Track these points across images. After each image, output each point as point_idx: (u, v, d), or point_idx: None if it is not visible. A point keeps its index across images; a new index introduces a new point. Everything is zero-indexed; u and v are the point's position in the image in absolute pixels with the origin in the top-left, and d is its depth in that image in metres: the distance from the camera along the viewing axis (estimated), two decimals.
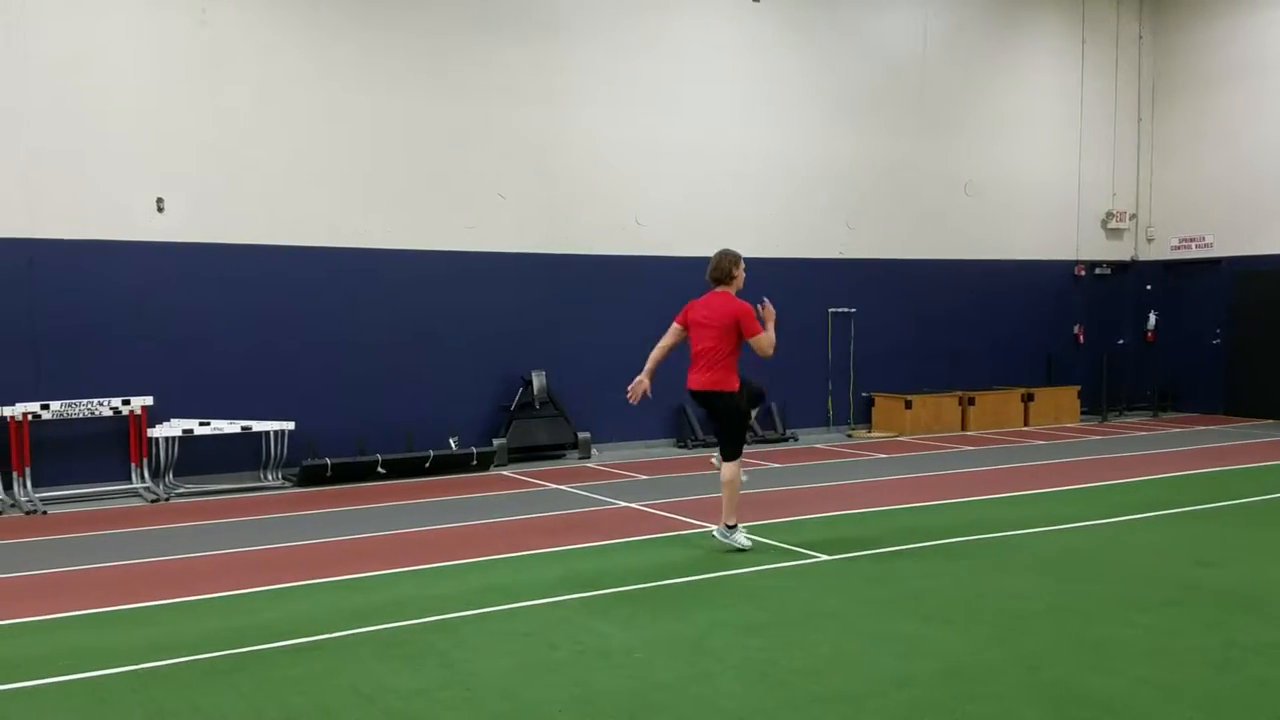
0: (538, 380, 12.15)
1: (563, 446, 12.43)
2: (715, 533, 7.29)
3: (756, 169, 13.93)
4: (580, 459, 12.33)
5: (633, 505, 9.21)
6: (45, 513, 9.15)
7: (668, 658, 4.98)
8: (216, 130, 10.52)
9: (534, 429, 12.19)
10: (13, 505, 9.31)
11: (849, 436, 14.47)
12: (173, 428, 10.09)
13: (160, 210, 10.24)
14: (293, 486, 10.50)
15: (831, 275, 14.56)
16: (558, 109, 12.49)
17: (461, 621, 5.61)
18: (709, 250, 13.04)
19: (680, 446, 13.33)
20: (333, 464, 10.58)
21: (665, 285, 13.24)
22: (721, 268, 7.22)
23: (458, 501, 9.62)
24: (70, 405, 9.71)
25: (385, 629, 5.46)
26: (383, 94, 11.41)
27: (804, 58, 14.30)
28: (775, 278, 13.93)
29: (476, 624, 5.57)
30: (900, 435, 14.35)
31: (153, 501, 9.69)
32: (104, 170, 10.00)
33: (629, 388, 7.36)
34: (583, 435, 12.44)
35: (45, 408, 9.61)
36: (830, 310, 14.62)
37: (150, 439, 10.06)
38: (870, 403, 14.98)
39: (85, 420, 9.85)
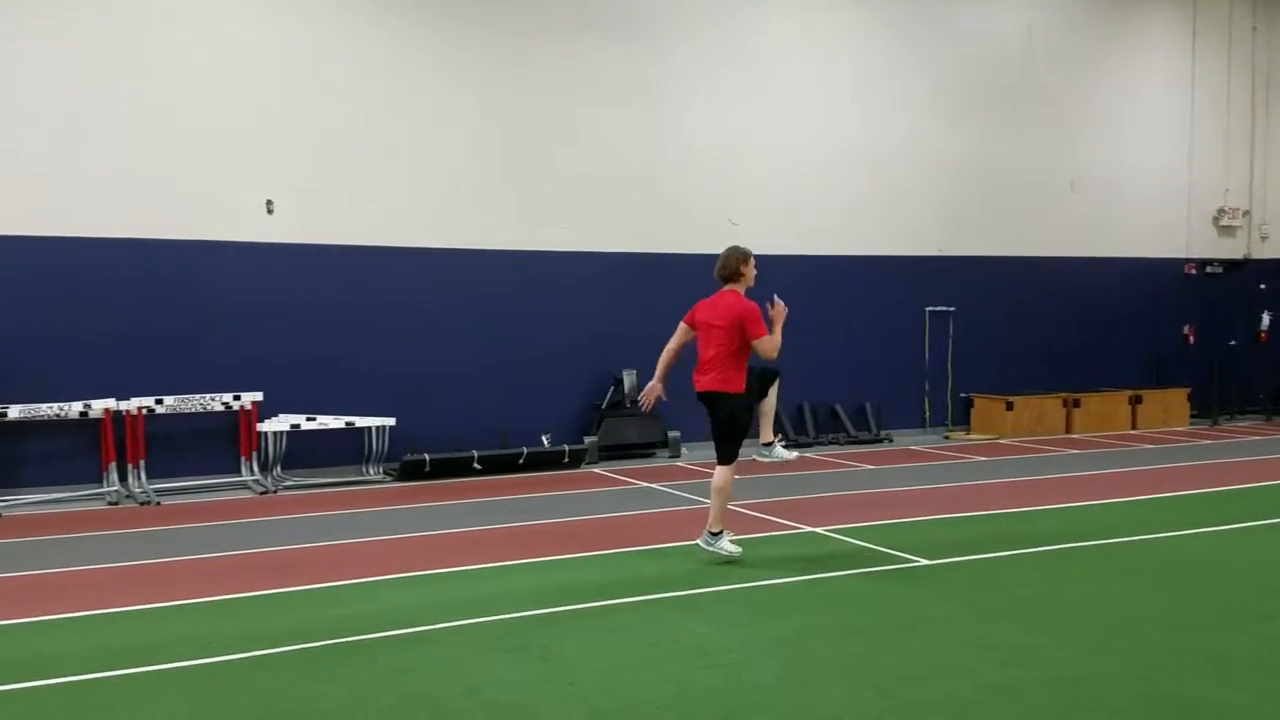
0: (629, 379, 12.21)
1: (653, 445, 12.47)
2: (700, 543, 6.91)
3: (851, 167, 13.77)
4: (670, 457, 12.35)
5: None
6: (159, 503, 9.54)
7: (766, 659, 4.95)
8: (322, 134, 10.84)
9: (624, 427, 12.26)
10: (128, 496, 9.74)
11: (946, 439, 14.17)
12: (281, 423, 10.43)
13: (270, 212, 10.61)
14: (393, 481, 10.76)
15: (929, 273, 14.30)
16: (652, 109, 12.54)
17: (559, 617, 5.67)
18: (803, 249, 13.35)
19: None
20: (431, 459, 10.80)
21: (757, 284, 13.21)
22: (729, 265, 6.95)
23: (551, 498, 9.72)
24: (184, 400, 10.11)
25: (485, 622, 5.54)
26: (481, 96, 11.61)
27: (899, 55, 14.08)
28: (870, 276, 13.85)
29: (574, 620, 5.62)
30: (1000, 438, 14.00)
31: (261, 494, 10.03)
32: (217, 173, 10.38)
33: (641, 395, 7.20)
34: (673, 434, 12.46)
35: (159, 402, 10.03)
36: (927, 309, 14.35)
37: (259, 433, 10.41)
38: (969, 404, 14.66)
39: (198, 415, 10.25)
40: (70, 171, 9.82)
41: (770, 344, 6.73)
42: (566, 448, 11.57)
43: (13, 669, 4.84)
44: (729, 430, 6.82)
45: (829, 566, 6.79)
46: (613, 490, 10.22)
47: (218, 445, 10.45)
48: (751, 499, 9.39)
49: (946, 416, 14.58)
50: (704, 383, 6.87)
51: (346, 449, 10.94)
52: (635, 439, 12.30)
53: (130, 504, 9.55)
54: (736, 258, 6.95)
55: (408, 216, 11.31)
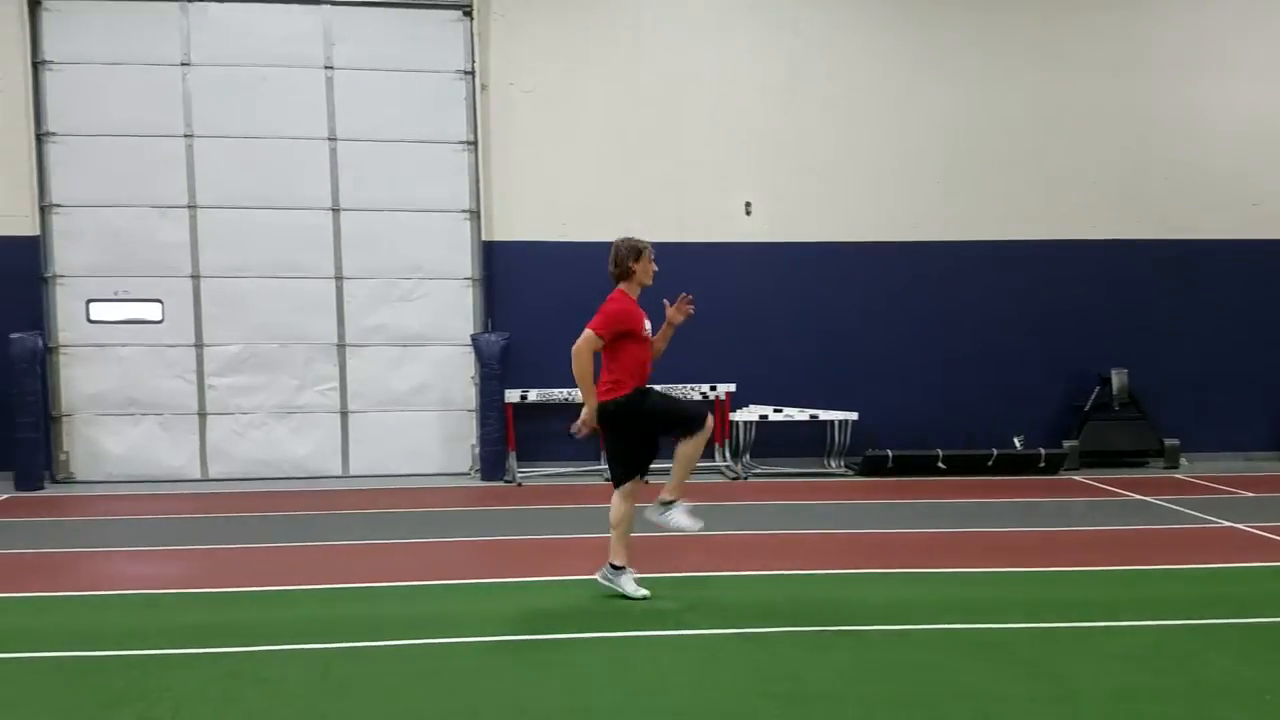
0: (1117, 379, 11.13)
1: (1144, 453, 11.27)
2: (598, 576, 6.01)
3: None
4: (1165, 468, 11.08)
5: (1238, 526, 8.03)
6: (647, 482, 10.27)
7: None
8: (798, 134, 11.13)
9: (1111, 432, 11.20)
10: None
11: None
12: (751, 413, 10.92)
13: (748, 213, 11.13)
14: (854, 475, 10.80)
15: None
16: (1153, 82, 11.36)
17: (1056, 631, 5.29)
18: None
19: None
20: (894, 456, 10.67)
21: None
22: (617, 262, 5.91)
23: (1023, 505, 9.17)
24: (669, 390, 10.92)
25: (972, 628, 5.34)
26: (953, 82, 11.24)
27: None
28: None
29: (1072, 636, 5.22)
30: None
31: (733, 479, 10.58)
32: (702, 178, 11.06)
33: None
34: (1169, 442, 11.16)
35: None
36: None
37: (732, 422, 10.98)
38: None
39: None
40: (587, 181, 11.00)
41: (579, 343, 5.64)
42: (1043, 451, 10.82)
43: (530, 621, 5.55)
44: (605, 445, 5.94)
45: None
46: (1097, 501, 9.38)
47: None
48: (1272, 521, 8.11)
49: None
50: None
51: (809, 441, 11.15)
52: (1124, 446, 11.19)
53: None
54: (623, 251, 5.89)
55: (876, 212, 11.25)
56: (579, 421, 5.84)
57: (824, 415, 10.97)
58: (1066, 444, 11.06)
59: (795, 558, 7.02)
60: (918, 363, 11.35)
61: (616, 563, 5.92)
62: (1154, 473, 10.89)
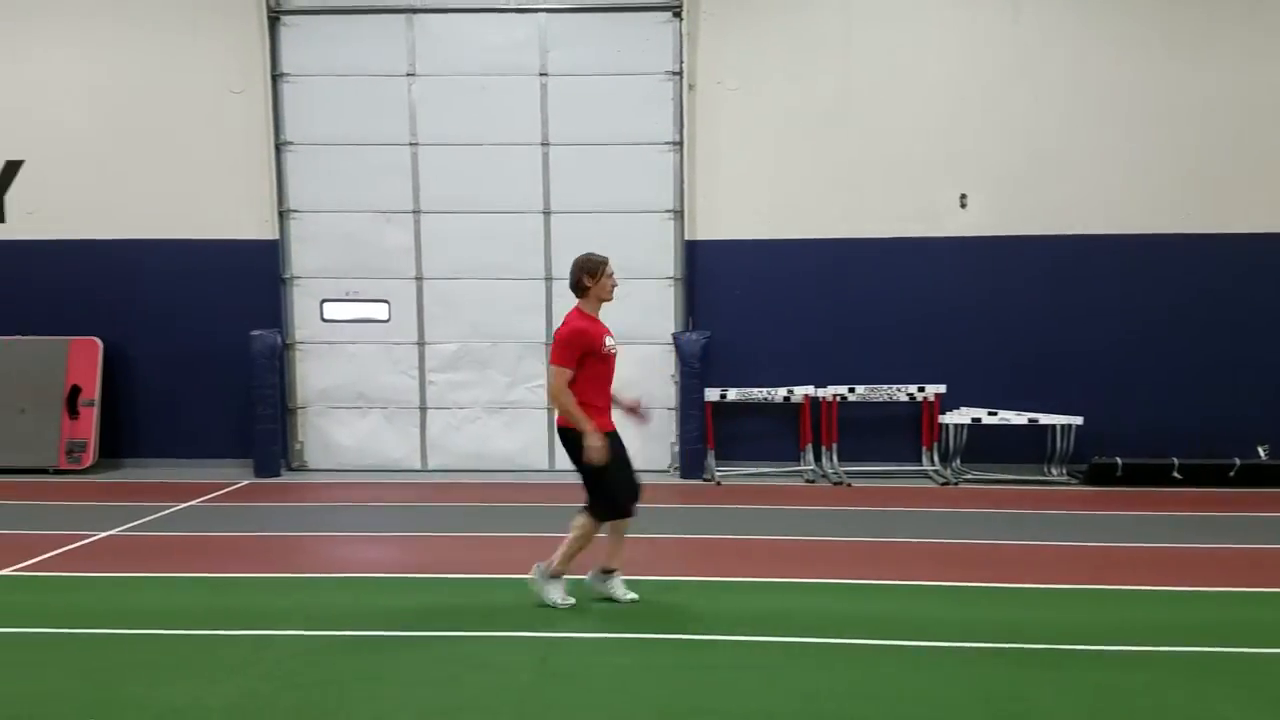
0: None
1: None
2: (533, 573, 5.88)
3: None
4: None
5: None
6: (849, 485, 10.18)
7: None
8: (1019, 124, 10.54)
9: None
10: (823, 476, 10.55)
11: None
12: (962, 415, 10.46)
13: (963, 206, 10.66)
14: (1078, 484, 10.16)
15: None
16: None
17: None
18: None
19: None
20: (1123, 464, 9.97)
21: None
22: (571, 276, 5.84)
23: (1267, 519, 8.37)
24: (873, 389, 10.67)
25: (1214, 651, 4.96)
26: (1195, 66, 10.37)
27: None
28: None
29: None
30: None
31: (941, 484, 10.17)
32: (914, 171, 10.66)
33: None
34: None
35: (851, 390, 10.70)
36: None
37: (941, 425, 10.56)
38: None
39: (884, 404, 10.72)
40: (793, 177, 10.80)
41: (552, 381, 5.62)
42: None
43: (736, 622, 5.52)
44: (584, 475, 5.71)
45: None
46: None
47: (901, 434, 10.83)
48: None
49: None
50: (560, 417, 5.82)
51: (1028, 446, 10.57)
52: None
53: (824, 483, 10.32)
54: (577, 267, 5.82)
55: (1099, 204, 10.51)
56: (590, 451, 5.60)
57: (1044, 419, 10.38)
58: None
59: (1014, 570, 6.68)
60: (1150, 365, 10.56)
61: (554, 570, 5.84)
62: None
